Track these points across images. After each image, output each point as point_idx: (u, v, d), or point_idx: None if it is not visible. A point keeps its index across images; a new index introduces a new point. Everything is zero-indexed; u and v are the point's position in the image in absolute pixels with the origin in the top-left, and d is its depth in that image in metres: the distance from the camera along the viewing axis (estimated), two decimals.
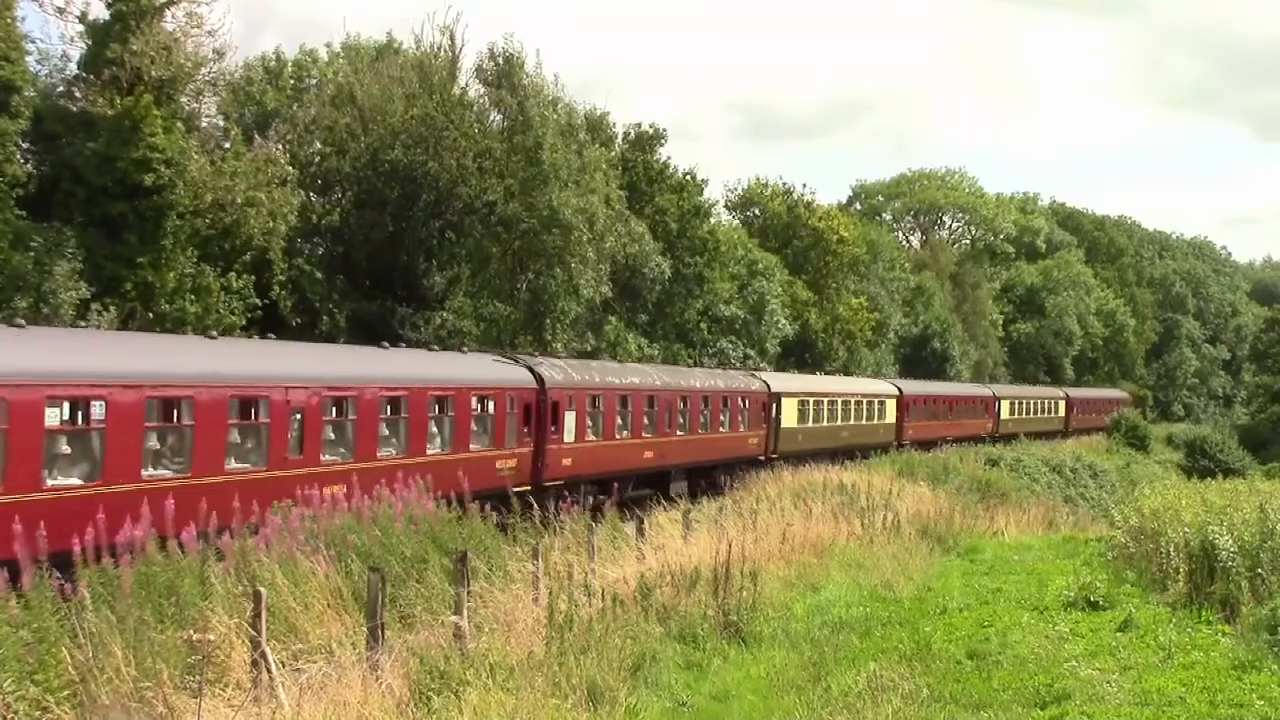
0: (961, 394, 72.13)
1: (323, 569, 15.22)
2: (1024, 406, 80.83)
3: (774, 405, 46.20)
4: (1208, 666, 14.50)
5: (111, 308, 28.83)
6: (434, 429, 25.70)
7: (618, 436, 34.25)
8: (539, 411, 29.73)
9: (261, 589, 12.01)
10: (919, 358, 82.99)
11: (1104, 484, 67.46)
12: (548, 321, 44.29)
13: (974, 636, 17.13)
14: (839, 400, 52.91)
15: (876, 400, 57.69)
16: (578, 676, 12.68)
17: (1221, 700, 13.01)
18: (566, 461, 31.01)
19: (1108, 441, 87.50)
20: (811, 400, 50.05)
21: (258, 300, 34.18)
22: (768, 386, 46.15)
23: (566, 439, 31.14)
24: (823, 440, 50.42)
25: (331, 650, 12.88)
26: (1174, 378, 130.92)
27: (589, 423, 32.51)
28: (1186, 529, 19.98)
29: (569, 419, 31.20)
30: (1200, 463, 72.67)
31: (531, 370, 30.15)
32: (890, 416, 58.96)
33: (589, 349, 46.76)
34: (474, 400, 27.13)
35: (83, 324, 23.63)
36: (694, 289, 56.65)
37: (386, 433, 23.99)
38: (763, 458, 44.68)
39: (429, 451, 25.06)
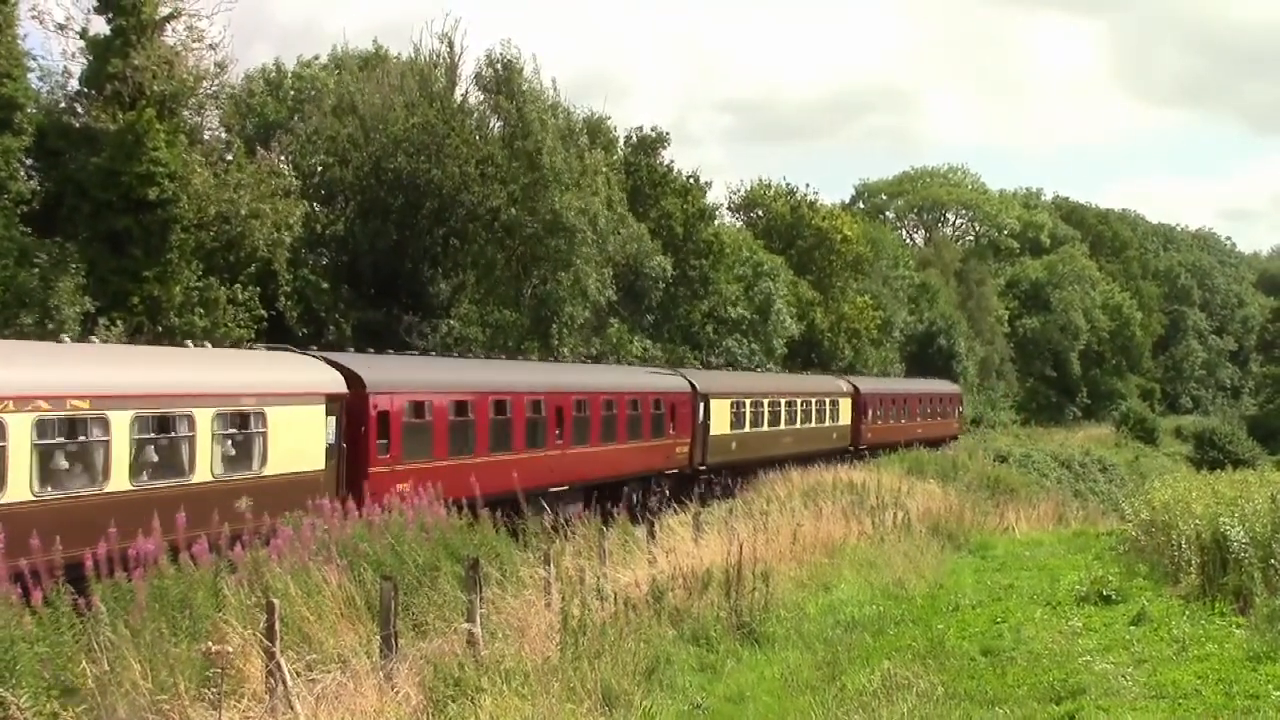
0: (603, 388, 33.40)
1: (335, 578, 15.23)
2: (765, 411, 44.19)
3: None
4: (1222, 658, 14.48)
5: (119, 322, 28.90)
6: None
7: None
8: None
9: (274, 599, 12.03)
10: (925, 355, 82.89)
11: (1113, 478, 67.55)
12: (554, 327, 44.32)
13: (987, 633, 17.13)
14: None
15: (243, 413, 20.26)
16: (592, 681, 12.70)
17: (1237, 692, 12.98)
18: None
19: (1116, 435, 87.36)
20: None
21: (264, 311, 34.23)
22: None
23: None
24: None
25: (346, 659, 12.89)
26: (1181, 370, 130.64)
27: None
28: (1198, 521, 19.96)
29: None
30: (1209, 454, 72.78)
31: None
32: (312, 460, 21.61)
33: (594, 353, 46.79)
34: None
35: (93, 339, 23.73)
36: (699, 291, 56.73)
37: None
38: None
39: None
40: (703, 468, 38.82)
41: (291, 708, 11.06)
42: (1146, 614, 17.35)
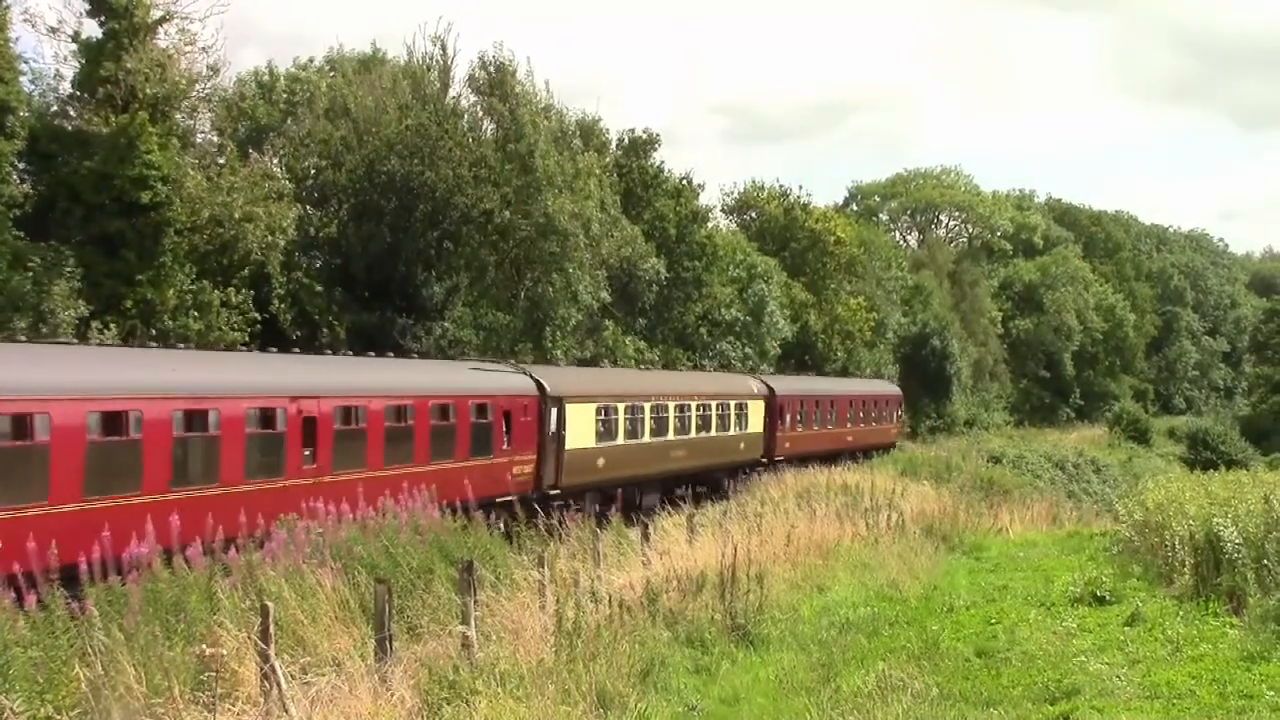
0: (388, 389, 25.80)
1: (329, 581, 15.22)
2: (646, 418, 36.21)
3: None
4: (1216, 658, 14.50)
5: (113, 325, 28.87)
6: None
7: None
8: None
9: (269, 603, 12.02)
10: (918, 356, 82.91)
11: (1107, 478, 67.61)
12: (547, 329, 44.31)
13: (982, 634, 17.14)
14: None
15: None
16: (587, 683, 12.69)
17: (1231, 692, 13.00)
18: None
19: (1109, 436, 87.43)
20: None
21: (257, 315, 34.20)
22: None
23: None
24: None
25: (340, 662, 12.89)
26: (1174, 371, 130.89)
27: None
28: (1191, 521, 19.95)
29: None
30: (1203, 455, 72.81)
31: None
32: None
33: (588, 355, 46.76)
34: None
35: (93, 342, 23.73)
36: (692, 293, 56.75)
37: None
38: None
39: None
40: (555, 492, 30.58)
41: (286, 711, 11.05)
42: (1140, 615, 17.35)
